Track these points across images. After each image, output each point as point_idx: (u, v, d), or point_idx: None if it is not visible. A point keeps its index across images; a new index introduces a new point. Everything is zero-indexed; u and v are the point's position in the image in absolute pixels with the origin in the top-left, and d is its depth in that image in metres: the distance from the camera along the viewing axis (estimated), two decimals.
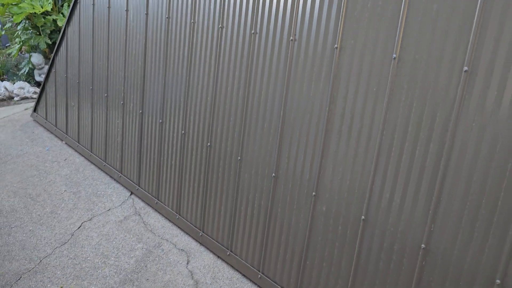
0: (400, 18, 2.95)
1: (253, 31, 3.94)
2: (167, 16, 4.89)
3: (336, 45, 3.32)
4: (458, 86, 2.73)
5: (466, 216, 2.76)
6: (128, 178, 5.93)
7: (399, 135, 3.04)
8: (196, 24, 4.55)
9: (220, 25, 4.26)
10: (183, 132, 4.87)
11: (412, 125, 2.97)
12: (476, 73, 2.66)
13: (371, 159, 3.21)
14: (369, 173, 3.23)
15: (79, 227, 5.12)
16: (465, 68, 2.68)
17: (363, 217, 3.29)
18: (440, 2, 2.77)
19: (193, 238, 4.92)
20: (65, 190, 5.97)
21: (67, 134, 7.43)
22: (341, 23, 3.28)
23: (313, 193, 3.61)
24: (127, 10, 5.55)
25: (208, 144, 4.56)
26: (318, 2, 3.40)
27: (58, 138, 7.69)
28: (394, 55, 3.00)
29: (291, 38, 3.62)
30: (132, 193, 5.91)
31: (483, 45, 2.61)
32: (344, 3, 3.24)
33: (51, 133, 7.90)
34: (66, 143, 7.49)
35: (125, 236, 4.97)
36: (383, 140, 3.13)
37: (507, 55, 2.52)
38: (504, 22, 2.52)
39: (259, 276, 4.16)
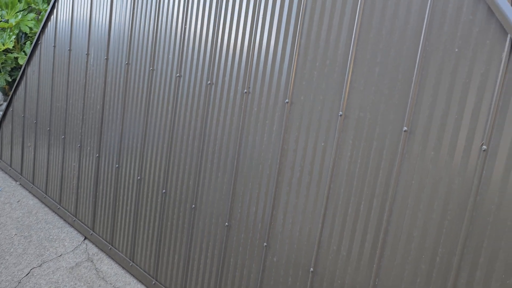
0: (346, 78, 3.10)
1: (209, 82, 4.04)
2: (126, 62, 4.95)
3: (287, 100, 3.44)
4: (399, 145, 2.87)
5: (408, 271, 2.85)
6: (82, 223, 5.81)
7: (345, 190, 3.14)
8: (155, 72, 4.62)
9: (178, 74, 4.35)
10: (139, 177, 4.86)
11: (357, 180, 3.08)
12: (414, 133, 2.80)
13: (319, 212, 3.28)
14: (317, 226, 3.30)
15: (27, 274, 4.95)
16: (405, 128, 2.83)
17: (311, 269, 3.34)
18: (381, 66, 2.94)
19: (146, 287, 4.83)
20: (15, 234, 5.79)
21: (21, 175, 7.26)
22: (292, 79, 3.41)
23: (265, 244, 3.64)
24: (87, 54, 5.59)
25: (164, 191, 4.55)
26: (271, 57, 3.54)
27: (12, 178, 7.50)
28: (341, 113, 3.13)
29: (245, 90, 3.73)
30: (86, 238, 5.78)
31: (421, 107, 2.77)
32: (294, 60, 3.38)
33: (5, 172, 7.69)
34: (20, 184, 7.30)
35: (75, 284, 4.83)
36: (330, 193, 3.22)
37: (442, 116, 2.68)
38: (438, 85, 2.69)
39: None
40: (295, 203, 3.44)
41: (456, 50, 2.62)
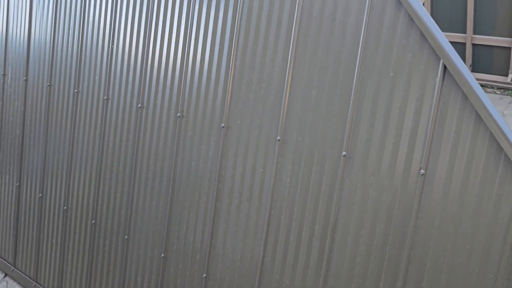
0: (283, 101, 3.02)
1: (139, 105, 3.82)
2: (48, 83, 4.60)
3: (223, 124, 3.31)
4: (338, 169, 2.82)
5: None
6: (2, 258, 5.31)
7: (286, 216, 3.05)
8: (80, 94, 4.32)
9: (105, 96, 4.08)
10: (65, 207, 4.50)
11: (297, 206, 2.99)
12: (353, 158, 2.76)
13: (260, 240, 3.16)
14: (259, 254, 3.17)
15: None
16: (344, 152, 2.78)
17: None
18: (319, 88, 2.89)
19: None
20: None
21: None
22: (227, 102, 3.28)
23: (204, 275, 3.46)
24: (4, 74, 5.15)
25: (93, 221, 4.24)
26: (205, 79, 3.39)
27: None
28: (279, 137, 3.04)
29: (178, 114, 3.56)
30: (6, 274, 5.28)
31: (359, 131, 2.74)
32: (229, 82, 3.26)
33: None
34: None
35: None
36: (271, 220, 3.11)
37: (380, 141, 2.66)
38: (375, 109, 2.67)
39: None
40: (234, 231, 3.30)
41: (392, 74, 2.61)
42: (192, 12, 3.45)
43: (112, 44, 4.01)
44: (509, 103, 8.57)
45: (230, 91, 3.27)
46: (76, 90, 4.33)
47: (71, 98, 4.39)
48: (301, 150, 2.97)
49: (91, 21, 4.17)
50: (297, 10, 2.93)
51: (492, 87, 8.86)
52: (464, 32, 8.68)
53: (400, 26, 2.58)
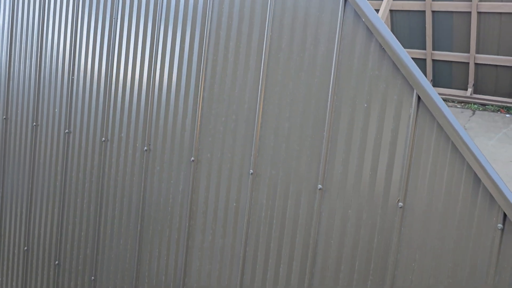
0: (254, 134, 2.93)
1: (104, 139, 3.64)
2: (4, 116, 4.36)
3: (192, 158, 3.18)
4: (314, 203, 2.74)
5: None
6: None
7: (262, 252, 2.93)
8: (39, 127, 4.10)
9: (67, 130, 3.89)
10: (25, 248, 4.24)
11: (274, 242, 2.89)
12: (330, 191, 2.69)
13: (235, 278, 3.03)
14: None
15: None
16: (319, 186, 2.71)
17: None
18: (291, 121, 2.81)
19: None
20: None
21: None
22: (196, 135, 3.16)
23: None
24: None
25: (56, 262, 4.00)
26: (172, 112, 3.27)
27: None
28: (251, 171, 2.94)
29: (145, 148, 3.41)
30: None
31: (334, 163, 2.67)
32: (198, 115, 3.15)
33: None
34: None
35: None
36: (246, 257, 2.99)
37: (356, 173, 2.60)
38: (350, 141, 2.61)
39: None
40: (208, 269, 3.16)
41: (365, 105, 2.57)
42: (157, 42, 3.33)
43: (73, 74, 3.83)
44: (470, 116, 8.79)
45: (198, 123, 3.15)
46: (34, 124, 4.11)
47: (29, 132, 4.16)
48: (275, 184, 2.87)
49: (49, 50, 3.98)
50: (266, 41, 2.86)
51: (453, 101, 9.08)
52: (424, 48, 8.89)
53: (372, 56, 2.54)
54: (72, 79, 3.83)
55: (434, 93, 2.37)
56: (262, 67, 2.89)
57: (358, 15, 2.55)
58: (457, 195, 2.33)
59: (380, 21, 2.48)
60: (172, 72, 3.26)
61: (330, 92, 2.66)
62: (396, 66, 2.46)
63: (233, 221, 3.03)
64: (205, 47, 3.11)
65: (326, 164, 2.69)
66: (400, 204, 2.46)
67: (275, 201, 2.87)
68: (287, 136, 2.82)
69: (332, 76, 2.66)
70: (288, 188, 2.83)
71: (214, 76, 3.09)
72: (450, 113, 2.33)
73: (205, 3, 3.10)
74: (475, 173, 2.26)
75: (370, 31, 2.52)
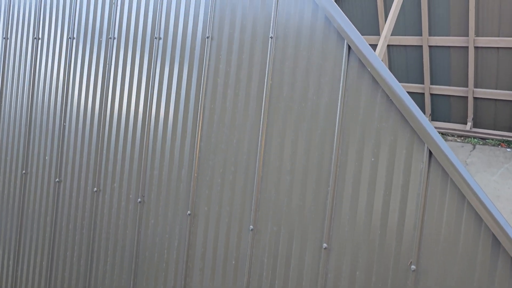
0: (254, 187, 2.76)
1: (95, 189, 3.47)
2: None
3: (189, 212, 3.00)
4: (319, 263, 2.55)
5: None
6: None
7: None
8: (29, 175, 3.92)
9: (57, 179, 3.71)
10: None
11: None
12: (335, 251, 2.51)
13: None
14: None
15: None
16: (325, 245, 2.53)
17: None
18: (294, 174, 2.65)
19: None
20: None
21: None
22: (192, 187, 2.99)
23: None
24: None
25: None
26: (167, 162, 3.11)
27: None
28: (251, 227, 2.76)
29: (139, 199, 3.23)
30: None
31: (340, 221, 2.50)
32: (195, 165, 2.99)
33: None
34: None
35: None
36: None
37: (363, 233, 2.42)
38: (357, 198, 2.45)
39: None
40: None
41: (372, 159, 2.41)
42: (152, 88, 3.20)
43: (64, 121, 3.68)
44: (471, 151, 8.66)
45: (195, 174, 2.99)
46: (24, 171, 3.94)
47: (18, 180, 3.98)
48: (277, 241, 2.69)
49: (40, 95, 3.84)
50: (266, 90, 2.73)
51: (452, 135, 8.97)
52: (422, 82, 8.84)
53: (379, 107, 2.40)
54: (64, 126, 3.68)
55: (446, 147, 2.22)
56: (262, 116, 2.75)
57: (362, 64, 2.43)
58: (474, 258, 2.16)
59: (386, 70, 2.35)
60: (168, 121, 3.12)
61: (334, 145, 2.52)
62: (404, 118, 2.32)
63: (232, 280, 2.83)
64: (202, 94, 2.98)
65: (331, 221, 2.51)
66: (413, 267, 2.28)
67: (277, 260, 2.68)
68: (289, 190, 2.66)
69: (336, 127, 2.51)
70: (290, 246, 2.64)
71: (211, 125, 2.94)
72: (464, 169, 2.18)
73: (202, 49, 2.98)
74: (493, 235, 2.10)
75: (376, 81, 2.39)
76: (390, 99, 2.35)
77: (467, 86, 8.51)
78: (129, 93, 3.29)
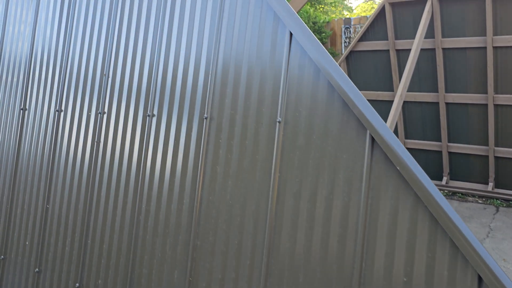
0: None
1: (77, 285, 3.02)
2: None
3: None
4: None
5: None
6: None
7: None
8: (7, 261, 3.49)
9: (36, 269, 3.28)
10: None
11: None
12: None
13: None
14: None
15: None
16: None
17: None
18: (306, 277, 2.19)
19: None
20: None
21: None
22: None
23: None
24: None
25: None
26: (157, 263, 2.66)
27: None
28: None
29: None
30: None
31: None
32: (189, 267, 2.54)
33: None
34: None
35: None
36: None
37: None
38: None
39: None
40: None
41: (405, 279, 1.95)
42: (143, 175, 2.80)
43: (48, 203, 3.28)
44: (494, 213, 8.10)
45: (189, 279, 2.54)
46: (2, 257, 3.51)
47: None
48: None
49: (24, 174, 3.47)
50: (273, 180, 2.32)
51: (473, 195, 8.45)
52: (439, 140, 8.41)
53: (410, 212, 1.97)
54: (47, 208, 3.28)
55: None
56: (267, 218, 2.33)
57: (389, 159, 2.02)
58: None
59: (418, 167, 1.94)
60: (158, 220, 2.70)
61: (355, 262, 2.06)
62: (445, 233, 1.88)
63: None
64: (198, 184, 2.57)
65: None
66: None
67: None
68: None
69: (358, 237, 2.07)
70: None
71: (209, 221, 2.52)
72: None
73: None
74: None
75: (407, 181, 1.97)
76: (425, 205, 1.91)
77: (487, 145, 8.07)
78: (117, 189, 2.90)
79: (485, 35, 7.15)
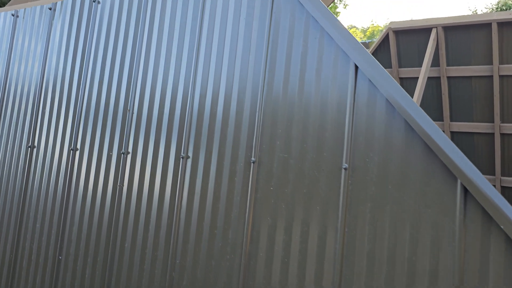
0: None
1: None
2: None
3: None
4: None
5: None
6: None
7: None
8: None
9: None
10: None
11: None
12: None
13: None
14: None
15: None
16: None
17: None
18: None
19: None
20: None
21: None
22: None
23: None
24: None
25: None
26: None
27: None
28: None
29: None
30: None
31: None
32: None
33: None
34: None
35: None
36: None
37: None
38: None
39: None
40: None
41: None
42: (118, 219, 2.45)
43: (60, 254, 2.90)
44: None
45: None
46: None
47: None
48: None
49: (31, 223, 3.08)
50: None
51: None
52: None
53: None
54: (59, 260, 2.89)
55: None
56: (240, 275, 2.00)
57: (487, 214, 1.72)
58: None
59: None
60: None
61: None
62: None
63: None
64: (173, 237, 2.23)
65: None
66: None
67: None
68: None
69: None
70: None
71: (184, 271, 2.17)
72: None
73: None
74: None
75: None
76: None
77: (494, 174, 7.90)
78: (144, 240, 2.54)
79: (491, 63, 7.04)
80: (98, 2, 3.00)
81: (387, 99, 1.95)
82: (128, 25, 2.83)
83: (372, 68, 1.99)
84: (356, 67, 2.05)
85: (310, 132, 2.14)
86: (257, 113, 2.28)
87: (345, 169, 2.02)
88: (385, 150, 1.95)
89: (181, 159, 2.48)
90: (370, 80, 2.00)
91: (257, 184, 2.24)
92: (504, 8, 15.37)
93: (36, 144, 3.12)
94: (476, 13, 17.17)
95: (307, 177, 2.12)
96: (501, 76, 7.26)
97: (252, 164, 2.26)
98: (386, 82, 1.95)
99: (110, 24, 2.92)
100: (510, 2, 15.67)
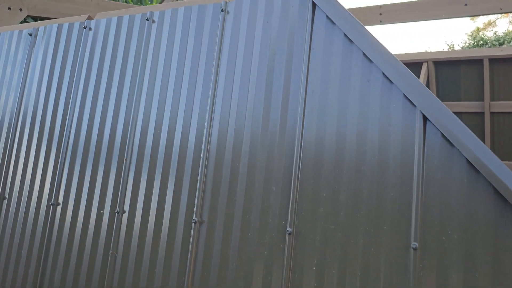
0: None
1: None
2: None
3: None
4: None
5: None
6: None
7: None
8: None
9: None
10: None
11: None
12: None
13: None
14: None
15: None
16: None
17: None
18: None
19: None
20: None
21: None
22: None
23: None
24: None
25: None
26: None
27: None
28: None
29: None
30: None
31: None
32: None
33: None
34: None
35: None
36: None
37: None
38: None
39: None
40: None
41: None
42: None
43: None
44: None
45: None
46: None
47: None
48: None
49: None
50: None
51: None
52: None
53: None
54: None
55: None
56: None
57: None
58: None
59: None
60: None
61: None
62: None
63: None
64: None
65: None
66: None
67: None
68: None
69: None
70: None
71: None
72: None
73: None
74: None
75: None
76: None
77: None
78: None
79: (481, 100, 6.86)
80: (90, 29, 2.52)
81: (468, 160, 1.55)
82: (127, 55, 2.37)
83: (443, 115, 1.59)
84: (425, 117, 1.65)
85: (363, 197, 1.71)
86: (293, 173, 1.84)
87: (414, 249, 1.59)
88: (469, 226, 1.53)
89: (193, 224, 2.00)
90: (441, 133, 1.60)
91: (295, 259, 1.78)
92: (481, 43, 15.56)
93: (6, 195, 2.58)
94: (453, 47, 17.34)
95: (360, 256, 1.67)
96: (491, 113, 7.09)
97: (288, 235, 1.80)
98: (463, 135, 1.55)
99: (104, 53, 2.45)
100: (486, 37, 15.90)
